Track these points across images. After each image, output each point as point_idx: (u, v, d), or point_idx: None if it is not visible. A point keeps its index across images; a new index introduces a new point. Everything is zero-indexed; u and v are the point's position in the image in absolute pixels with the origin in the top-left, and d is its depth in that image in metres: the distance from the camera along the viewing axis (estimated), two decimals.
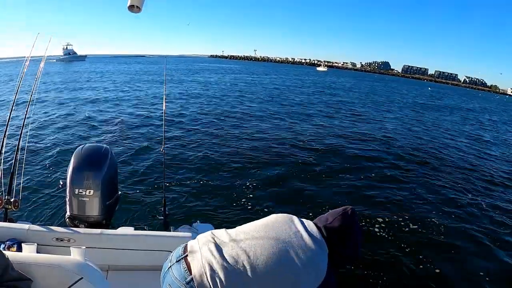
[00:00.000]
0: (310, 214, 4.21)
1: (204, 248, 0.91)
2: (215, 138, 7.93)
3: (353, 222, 0.98)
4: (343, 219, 0.96)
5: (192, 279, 0.86)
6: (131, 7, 1.40)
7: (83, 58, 72.63)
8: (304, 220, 1.03)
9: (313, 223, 1.02)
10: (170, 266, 0.93)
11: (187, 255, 0.92)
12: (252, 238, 0.92)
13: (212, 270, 0.84)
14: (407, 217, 4.50)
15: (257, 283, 0.83)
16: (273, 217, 1.03)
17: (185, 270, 0.89)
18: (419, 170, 6.77)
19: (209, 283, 0.83)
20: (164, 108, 2.73)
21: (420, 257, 3.64)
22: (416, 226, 4.30)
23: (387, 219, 4.39)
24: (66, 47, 69.29)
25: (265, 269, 0.84)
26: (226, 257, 0.86)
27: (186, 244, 0.97)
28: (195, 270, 0.87)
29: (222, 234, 0.97)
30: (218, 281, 0.83)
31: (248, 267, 0.84)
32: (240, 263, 0.85)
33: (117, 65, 53.99)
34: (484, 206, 5.24)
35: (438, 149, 8.89)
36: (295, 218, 1.01)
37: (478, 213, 4.98)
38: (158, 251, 1.70)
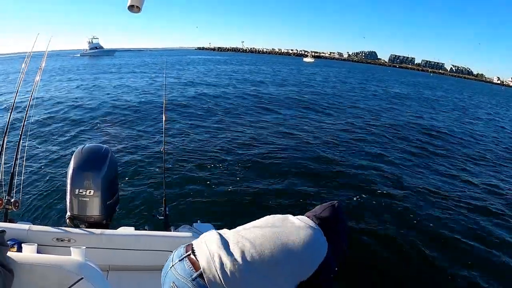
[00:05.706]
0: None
1: (210, 244, 0.96)
2: (216, 138, 7.93)
3: (339, 213, 1.10)
4: (330, 211, 1.09)
5: (198, 275, 0.89)
6: (131, 7, 1.41)
7: (111, 52, 61.67)
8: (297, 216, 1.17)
9: (305, 215, 1.13)
10: (173, 265, 0.95)
11: (189, 254, 0.94)
12: (254, 229, 1.00)
13: (221, 262, 0.90)
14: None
15: (267, 267, 0.89)
16: (269, 216, 1.14)
17: (190, 268, 0.92)
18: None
19: (219, 276, 0.86)
20: (164, 108, 2.73)
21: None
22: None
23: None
24: (92, 41, 60.46)
25: (271, 253, 0.91)
26: (233, 249, 0.92)
27: (187, 244, 1.00)
28: (203, 264, 0.91)
29: (225, 231, 1.04)
30: (228, 272, 0.87)
31: (255, 255, 0.90)
32: (247, 252, 0.90)
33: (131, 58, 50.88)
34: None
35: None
36: (289, 215, 1.13)
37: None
38: (158, 251, 1.70)
